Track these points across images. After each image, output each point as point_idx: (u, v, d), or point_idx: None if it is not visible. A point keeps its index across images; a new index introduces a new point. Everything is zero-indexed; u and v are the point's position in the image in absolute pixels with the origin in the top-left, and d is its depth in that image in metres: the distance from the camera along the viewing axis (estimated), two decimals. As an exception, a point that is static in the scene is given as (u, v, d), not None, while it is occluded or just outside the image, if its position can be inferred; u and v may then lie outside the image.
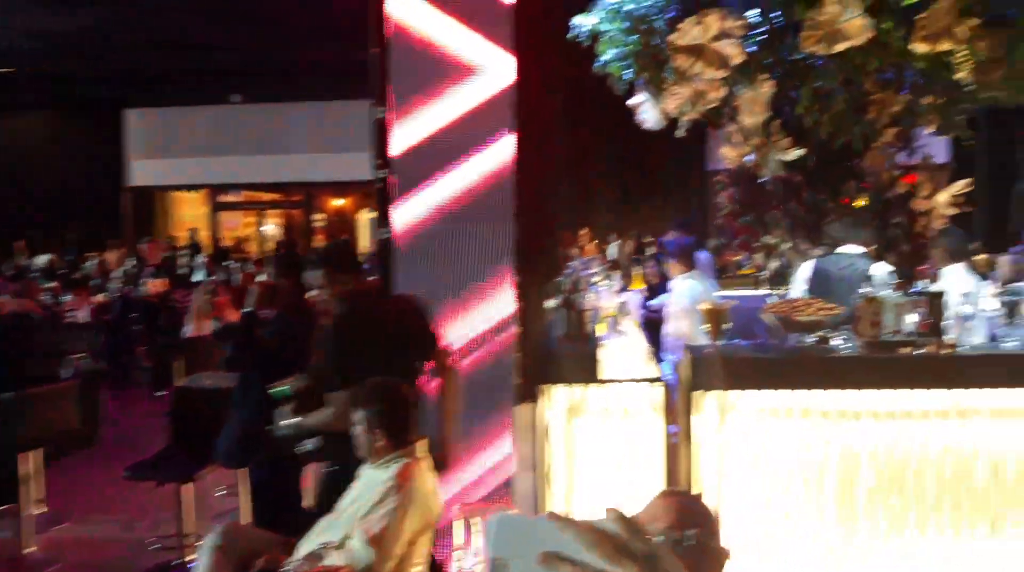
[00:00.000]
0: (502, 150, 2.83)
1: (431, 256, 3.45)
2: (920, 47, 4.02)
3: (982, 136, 6.63)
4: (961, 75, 4.27)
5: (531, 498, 3.21)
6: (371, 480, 2.32)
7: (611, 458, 3.23)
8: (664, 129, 4.92)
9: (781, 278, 4.74)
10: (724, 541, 1.38)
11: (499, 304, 3.11)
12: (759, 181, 4.79)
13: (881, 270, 3.74)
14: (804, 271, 4.31)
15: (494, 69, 2.87)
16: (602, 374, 3.39)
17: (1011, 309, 3.21)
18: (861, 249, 4.27)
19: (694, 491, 3.17)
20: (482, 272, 3.30)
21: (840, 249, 4.29)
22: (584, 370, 3.23)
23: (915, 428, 3.17)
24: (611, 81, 4.87)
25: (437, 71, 2.79)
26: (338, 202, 16.86)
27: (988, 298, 3.29)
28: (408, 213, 2.74)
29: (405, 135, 2.77)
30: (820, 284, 4.01)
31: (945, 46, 4.14)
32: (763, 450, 3.19)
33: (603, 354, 3.60)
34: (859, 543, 3.19)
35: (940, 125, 4.71)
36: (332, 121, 13.47)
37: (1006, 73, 4.34)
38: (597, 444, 3.23)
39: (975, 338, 3.30)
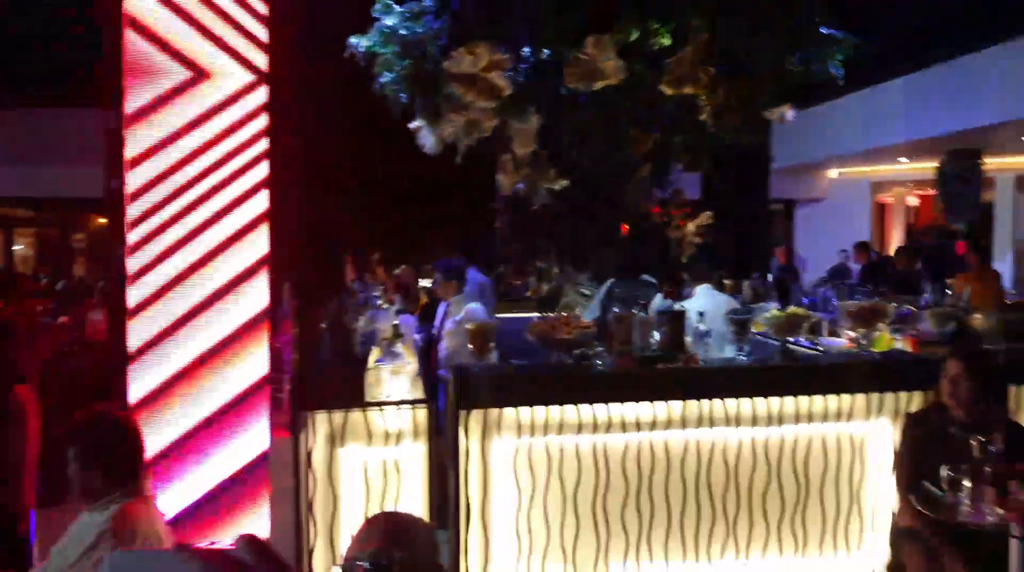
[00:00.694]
0: (253, 168, 2.70)
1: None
2: (668, 90, 4.40)
3: (729, 174, 7.38)
4: (704, 117, 4.73)
5: (290, 531, 3.06)
6: (84, 524, 2.08)
7: (376, 484, 3.16)
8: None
9: (551, 301, 4.97)
10: (445, 559, 1.37)
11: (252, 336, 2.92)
12: (531, 209, 5.02)
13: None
14: (600, 293, 4.59)
15: (244, 78, 2.73)
16: (373, 398, 3.34)
17: (741, 327, 3.55)
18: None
19: (459, 508, 3.18)
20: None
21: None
22: (348, 395, 3.15)
23: (662, 437, 3.40)
24: (389, 103, 4.89)
25: (177, 78, 2.62)
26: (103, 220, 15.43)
27: (722, 317, 3.62)
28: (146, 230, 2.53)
29: (139, 145, 2.56)
30: (608, 306, 4.30)
31: (690, 90, 4.57)
32: (527, 466, 3.28)
33: (377, 377, 3.54)
34: (614, 552, 3.35)
35: (689, 162, 5.19)
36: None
37: (745, 117, 4.88)
38: (361, 471, 3.15)
39: (726, 352, 3.65)
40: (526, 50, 4.63)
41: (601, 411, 3.32)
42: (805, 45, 4.62)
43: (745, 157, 7.82)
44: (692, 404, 3.41)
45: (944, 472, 2.55)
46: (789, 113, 4.94)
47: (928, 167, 13.26)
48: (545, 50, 4.65)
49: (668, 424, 3.40)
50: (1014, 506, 2.41)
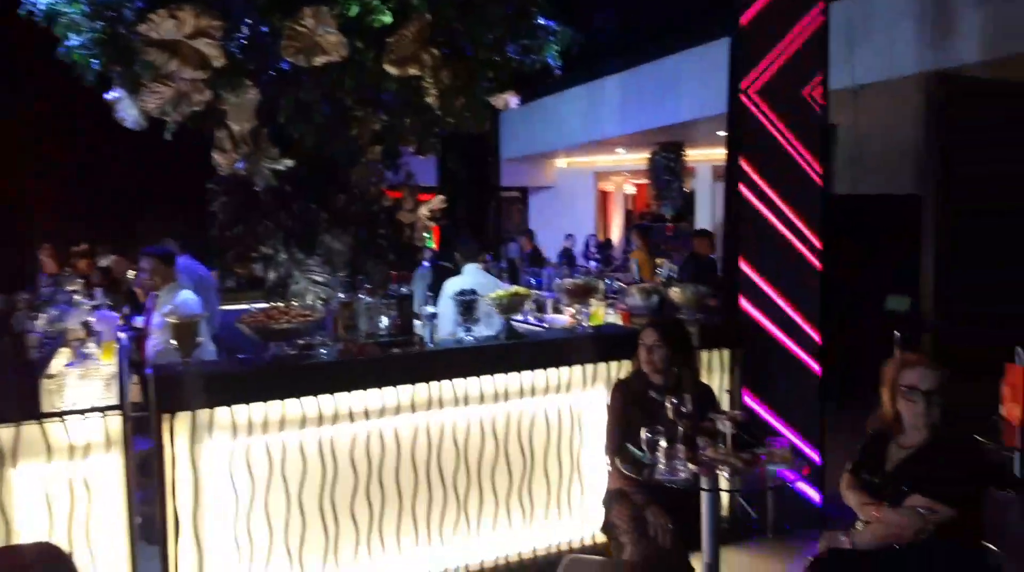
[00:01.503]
0: None
1: None
2: (391, 69, 4.30)
3: (462, 160, 7.51)
4: (429, 100, 4.69)
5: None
6: None
7: (61, 506, 2.74)
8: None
9: (280, 290, 4.68)
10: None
11: None
12: (253, 190, 4.67)
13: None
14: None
15: None
16: (54, 407, 2.89)
17: (467, 308, 3.57)
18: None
19: (169, 523, 2.87)
20: None
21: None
22: (20, 406, 2.69)
23: (391, 424, 3.33)
24: (80, 72, 4.28)
25: None
26: None
27: (446, 298, 3.62)
28: None
29: None
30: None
31: (414, 71, 4.50)
32: (245, 468, 3.04)
33: (59, 384, 3.07)
34: (344, 546, 3.23)
35: (418, 146, 5.13)
36: None
37: (469, 103, 4.91)
38: (41, 492, 2.71)
39: (486, 329, 3.72)
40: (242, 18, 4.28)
41: (326, 403, 3.17)
42: (521, 34, 4.75)
43: (478, 143, 8.03)
44: (421, 388, 3.37)
45: (644, 434, 2.75)
46: (513, 100, 5.06)
47: (642, 158, 14.59)
48: (261, 19, 4.33)
49: (397, 410, 3.34)
50: (703, 461, 2.66)
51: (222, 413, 2.98)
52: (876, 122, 10.00)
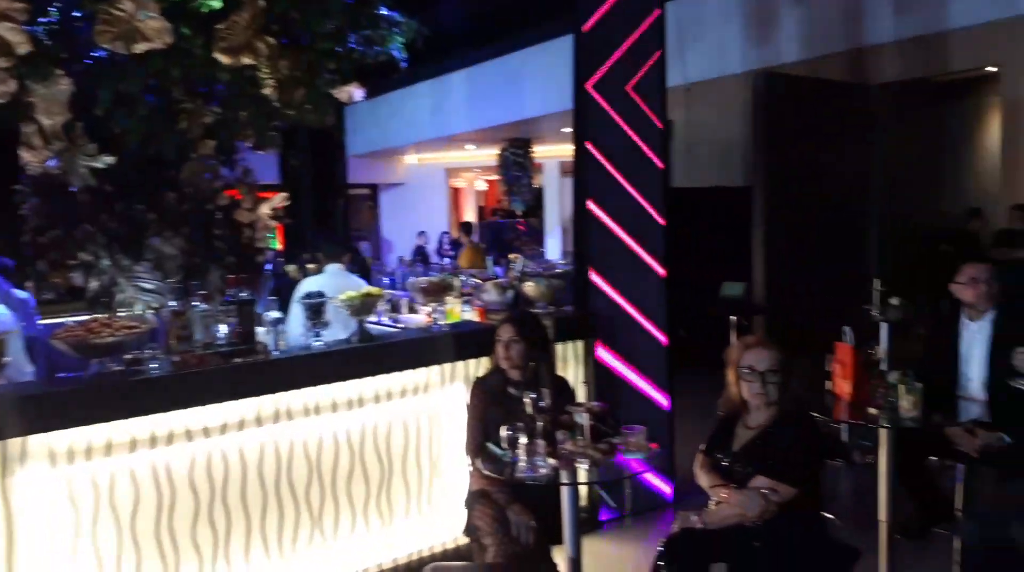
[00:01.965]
0: None
1: None
2: (222, 58, 4.02)
3: (307, 156, 7.21)
4: (267, 91, 4.44)
5: None
6: None
7: None
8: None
9: (104, 300, 4.26)
10: None
11: None
12: (68, 191, 4.24)
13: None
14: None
15: None
16: None
17: (315, 311, 3.39)
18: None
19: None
20: None
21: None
22: None
23: (235, 441, 3.10)
24: None
25: None
26: None
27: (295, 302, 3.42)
28: None
29: None
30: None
31: (247, 60, 4.24)
32: (68, 500, 2.73)
33: None
34: (186, 574, 2.98)
35: (256, 140, 4.85)
36: None
37: (311, 95, 4.69)
38: None
39: (341, 333, 3.51)
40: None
41: (159, 423, 2.90)
42: (363, 24, 4.60)
43: (323, 138, 7.72)
44: (266, 400, 3.17)
45: (503, 432, 2.71)
46: (357, 93, 4.89)
47: (492, 154, 14.68)
48: (71, 1, 3.93)
49: (241, 426, 3.11)
50: (562, 455, 2.65)
51: (37, 441, 2.65)
52: (708, 118, 10.57)
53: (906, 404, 2.97)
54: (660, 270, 4.43)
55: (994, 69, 8.44)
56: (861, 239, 9.25)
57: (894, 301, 5.73)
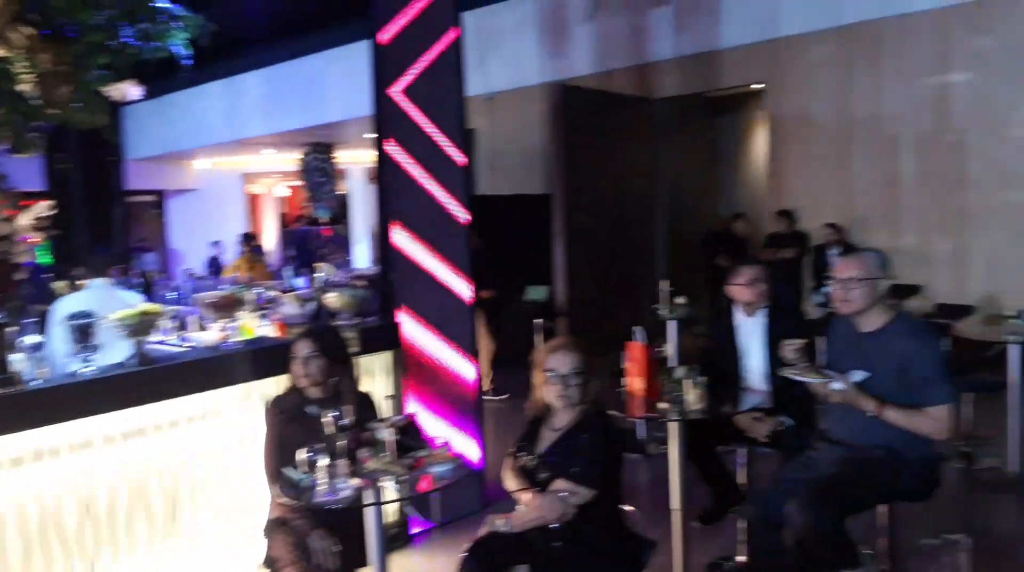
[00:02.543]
0: None
1: None
2: (-36, 49, 3.52)
3: (77, 159, 6.52)
4: (24, 87, 3.95)
5: None
6: None
7: None
8: None
9: None
10: None
11: None
12: None
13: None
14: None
15: None
16: None
17: (83, 333, 3.03)
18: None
19: None
20: None
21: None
22: None
23: (-15, 486, 2.70)
24: None
25: None
26: None
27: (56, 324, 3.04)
28: None
29: None
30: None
31: (2, 52, 3.76)
32: None
33: None
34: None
35: (13, 142, 4.30)
36: None
37: (79, 92, 4.22)
38: None
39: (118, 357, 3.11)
40: None
41: None
42: (139, 16, 4.21)
43: (97, 140, 7.00)
44: (23, 438, 2.78)
45: (302, 454, 2.56)
46: (133, 91, 4.48)
47: (294, 159, 14.14)
48: None
49: (-8, 467, 2.71)
50: (365, 473, 2.54)
51: None
52: (510, 127, 10.84)
53: (692, 397, 3.16)
54: (466, 279, 4.43)
55: (760, 86, 9.34)
56: (651, 242, 9.90)
57: (680, 300, 6.16)
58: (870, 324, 2.93)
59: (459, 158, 4.40)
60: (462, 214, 4.40)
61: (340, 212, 14.60)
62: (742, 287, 3.77)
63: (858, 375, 2.87)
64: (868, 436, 2.88)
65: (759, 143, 10.75)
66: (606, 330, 4.99)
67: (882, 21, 8.20)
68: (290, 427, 2.93)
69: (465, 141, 4.54)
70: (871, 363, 2.87)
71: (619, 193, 9.28)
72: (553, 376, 2.72)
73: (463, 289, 4.38)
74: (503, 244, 8.52)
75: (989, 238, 7.76)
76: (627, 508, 2.93)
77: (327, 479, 2.48)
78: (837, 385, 2.85)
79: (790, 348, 3.09)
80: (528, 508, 2.67)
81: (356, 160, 14.58)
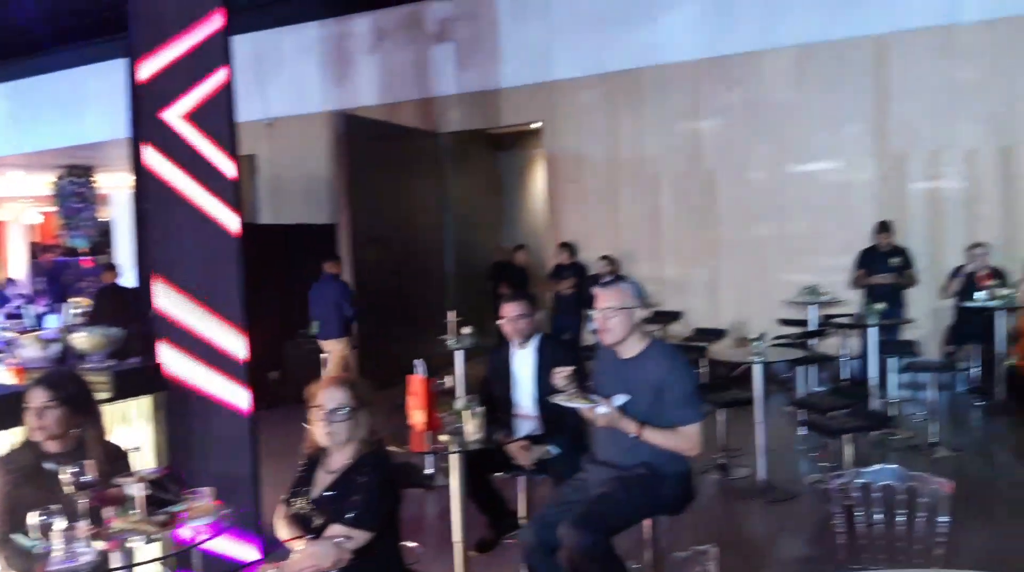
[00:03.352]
0: None
1: None
2: None
3: None
4: None
5: None
6: None
7: None
8: None
9: None
10: None
11: None
12: None
13: None
14: None
15: None
16: None
17: None
18: None
19: None
20: None
21: None
22: None
23: None
24: None
25: None
26: None
27: None
28: None
29: None
30: None
31: None
32: None
33: None
34: None
35: None
36: None
37: None
38: None
39: None
40: None
41: None
42: None
43: None
44: None
45: (34, 518, 2.25)
46: None
47: (47, 182, 12.73)
48: None
49: None
50: (110, 535, 2.29)
51: None
52: (293, 154, 10.53)
53: (471, 428, 3.20)
54: (236, 312, 4.14)
55: (538, 125, 9.83)
56: (440, 273, 10.01)
57: (466, 330, 6.26)
58: (629, 351, 3.13)
59: (230, 172, 4.09)
60: (232, 231, 4.08)
61: (102, 241, 13.30)
62: (507, 322, 3.89)
63: (620, 399, 3.04)
64: (630, 456, 3.06)
65: (539, 179, 11.29)
66: (398, 362, 4.91)
67: (642, 70, 8.98)
68: (23, 488, 2.57)
69: (239, 163, 4.27)
70: (631, 387, 3.06)
71: (406, 224, 9.31)
72: (320, 413, 2.61)
73: (236, 318, 4.08)
74: (287, 275, 8.21)
75: (736, 268, 8.69)
76: (410, 544, 2.89)
77: (64, 544, 2.20)
78: (601, 409, 3.00)
79: (560, 375, 3.22)
80: (301, 556, 2.53)
81: (120, 184, 13.41)
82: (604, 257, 8.71)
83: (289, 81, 10.52)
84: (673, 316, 8.53)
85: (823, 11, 8.17)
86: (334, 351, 7.60)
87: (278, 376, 8.20)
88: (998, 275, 6.96)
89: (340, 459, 2.67)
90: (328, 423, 2.58)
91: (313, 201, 10.04)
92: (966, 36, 7.69)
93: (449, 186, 10.27)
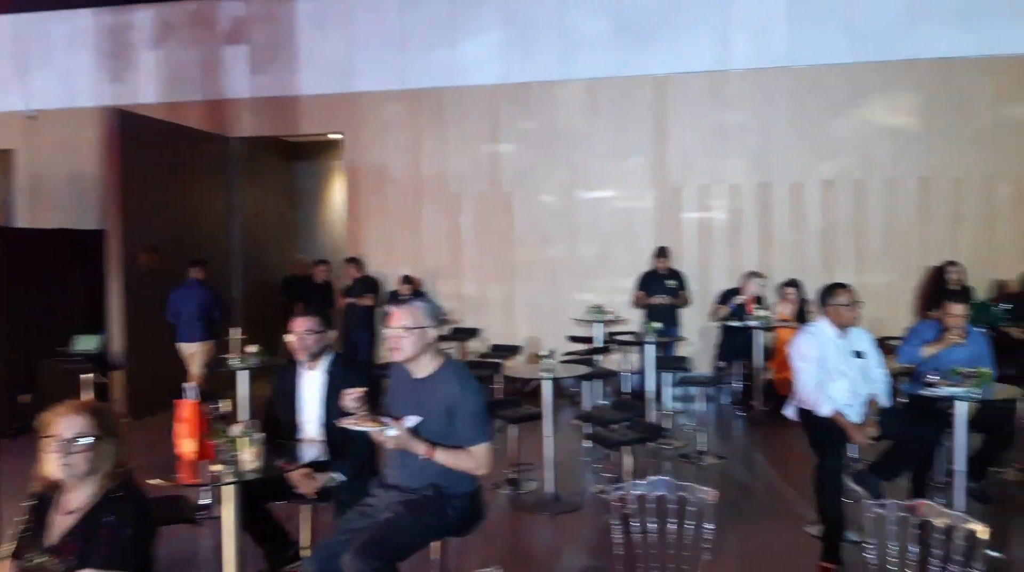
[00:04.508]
0: None
1: None
2: None
3: None
4: None
5: None
6: None
7: None
8: None
9: None
10: None
11: None
12: None
13: None
14: None
15: None
16: None
17: None
18: None
19: None
20: None
21: None
22: None
23: None
24: None
25: None
26: None
27: None
28: None
29: None
30: None
31: None
32: None
33: None
34: None
35: None
36: None
37: None
38: None
39: None
40: None
41: None
42: None
43: None
44: None
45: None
46: None
47: None
48: None
49: None
50: None
51: None
52: (57, 151, 9.48)
53: (248, 456, 2.98)
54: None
55: (339, 136, 9.58)
56: (227, 285, 9.40)
57: (252, 349, 5.90)
58: (422, 370, 3.08)
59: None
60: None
61: None
62: (295, 337, 3.67)
63: (412, 420, 2.98)
64: (419, 478, 2.99)
65: (339, 191, 10.99)
66: (174, 384, 4.48)
67: (444, 90, 9.06)
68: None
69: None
70: (424, 408, 3.01)
71: (188, 232, 8.65)
72: (55, 443, 2.27)
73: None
74: (46, 286, 7.32)
75: (530, 287, 8.96)
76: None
77: None
78: (391, 432, 2.92)
79: (350, 397, 3.10)
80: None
81: None
82: (405, 277, 8.63)
83: (57, 71, 9.46)
84: (471, 333, 8.62)
85: (615, 47, 8.70)
86: (197, 353, 7.42)
87: (30, 399, 7.28)
88: (759, 301, 7.73)
89: (79, 497, 2.33)
90: (65, 453, 2.25)
91: (80, 204, 9.08)
92: (734, 82, 8.53)
93: (238, 194, 9.71)
